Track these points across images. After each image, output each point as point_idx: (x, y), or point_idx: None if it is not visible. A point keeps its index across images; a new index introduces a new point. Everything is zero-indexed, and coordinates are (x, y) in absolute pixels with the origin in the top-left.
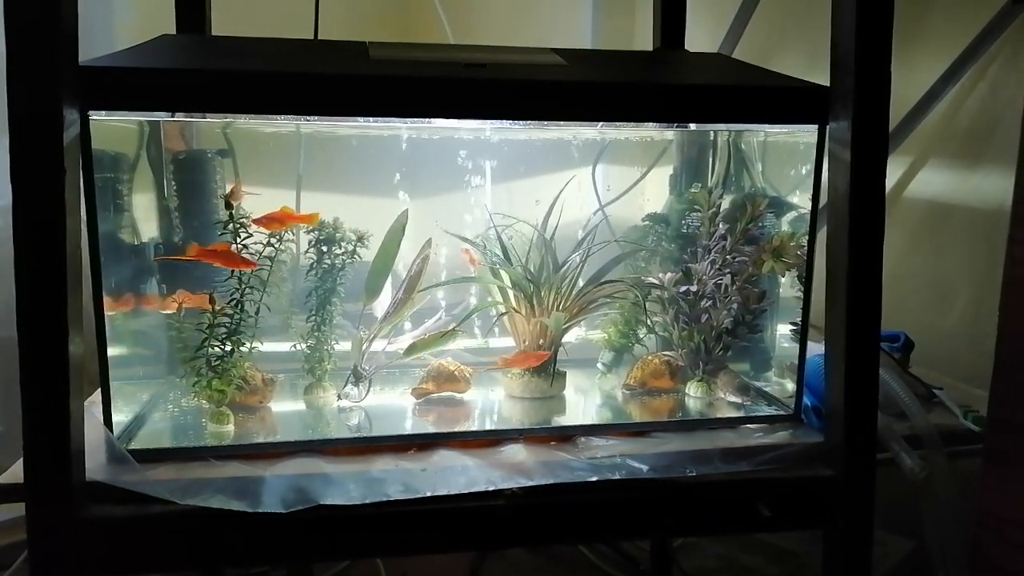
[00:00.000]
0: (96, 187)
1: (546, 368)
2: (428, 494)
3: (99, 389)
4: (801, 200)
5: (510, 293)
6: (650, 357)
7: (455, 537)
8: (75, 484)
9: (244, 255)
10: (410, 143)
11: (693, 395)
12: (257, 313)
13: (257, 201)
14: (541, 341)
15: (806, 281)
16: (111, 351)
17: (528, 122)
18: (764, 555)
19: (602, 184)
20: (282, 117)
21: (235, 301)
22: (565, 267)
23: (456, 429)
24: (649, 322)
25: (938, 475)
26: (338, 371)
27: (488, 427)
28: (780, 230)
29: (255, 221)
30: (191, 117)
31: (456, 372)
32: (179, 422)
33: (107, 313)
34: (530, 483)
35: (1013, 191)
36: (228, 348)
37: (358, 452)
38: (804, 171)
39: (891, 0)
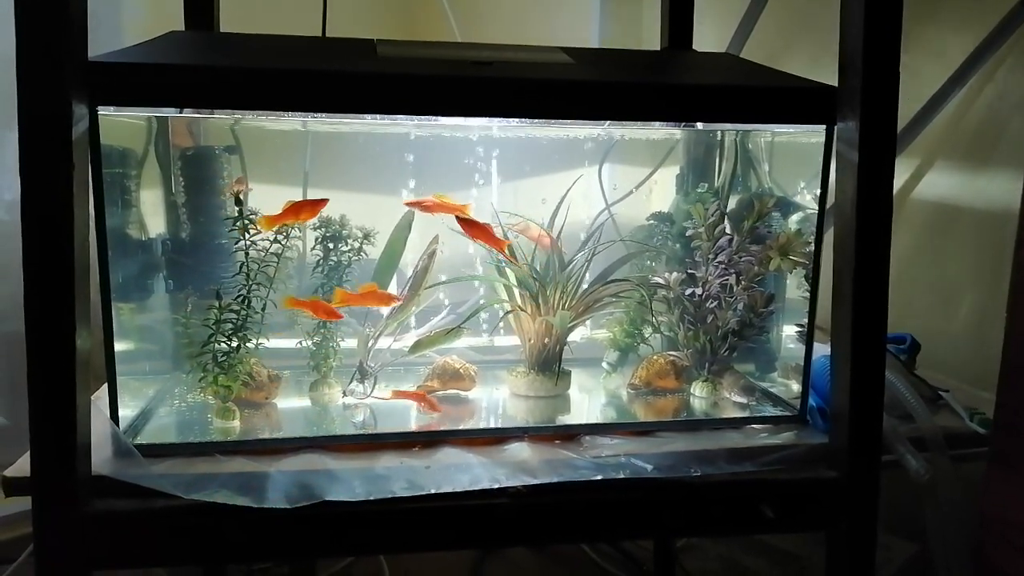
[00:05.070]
0: (104, 182)
1: (551, 367)
2: (432, 491)
3: (105, 384)
4: (808, 201)
5: (516, 291)
6: (655, 357)
7: (458, 535)
8: (81, 478)
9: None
10: (416, 141)
11: (698, 395)
12: (263, 309)
13: (263, 199)
14: (546, 340)
15: (812, 282)
16: (118, 346)
17: (535, 121)
18: (767, 557)
19: (608, 183)
20: (290, 114)
21: (242, 297)
22: (571, 266)
23: (461, 427)
24: (655, 322)
25: (943, 478)
26: (343, 368)
27: (493, 425)
28: (786, 228)
29: None
30: (199, 113)
31: (461, 370)
32: (185, 417)
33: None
34: (534, 481)
35: (1021, 194)
36: (234, 344)
37: (363, 449)
38: (811, 172)
39: (900, 1)
